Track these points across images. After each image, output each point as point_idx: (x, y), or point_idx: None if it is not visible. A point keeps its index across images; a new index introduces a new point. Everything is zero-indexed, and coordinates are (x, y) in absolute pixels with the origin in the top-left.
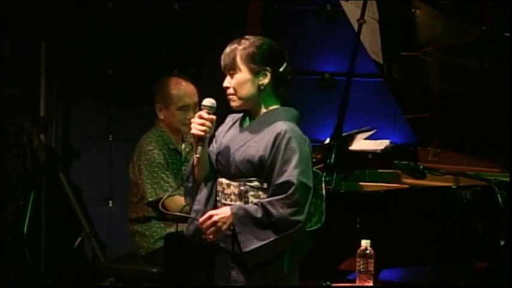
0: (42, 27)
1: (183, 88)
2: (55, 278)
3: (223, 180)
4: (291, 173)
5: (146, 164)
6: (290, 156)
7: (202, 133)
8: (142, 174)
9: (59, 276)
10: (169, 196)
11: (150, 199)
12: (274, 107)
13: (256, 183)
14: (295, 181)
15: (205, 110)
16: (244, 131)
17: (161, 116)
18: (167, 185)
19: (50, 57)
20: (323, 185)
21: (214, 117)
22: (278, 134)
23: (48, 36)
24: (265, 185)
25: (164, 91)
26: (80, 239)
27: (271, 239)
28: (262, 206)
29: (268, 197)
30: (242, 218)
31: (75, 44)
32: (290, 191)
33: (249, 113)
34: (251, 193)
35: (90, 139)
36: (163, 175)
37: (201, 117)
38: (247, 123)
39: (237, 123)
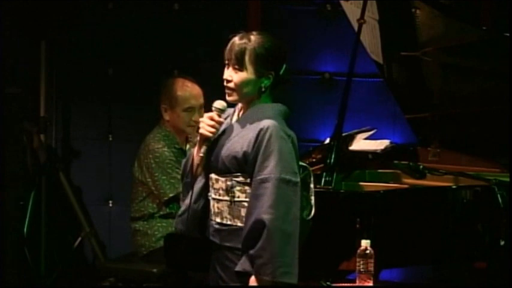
0: (42, 27)
1: (188, 90)
2: (55, 278)
3: (213, 175)
4: (272, 170)
5: (158, 162)
6: (271, 152)
7: (211, 134)
8: (155, 172)
9: (59, 276)
10: None
11: (171, 195)
12: (265, 103)
13: (241, 179)
14: (274, 177)
15: (216, 113)
16: (232, 126)
17: (166, 116)
18: None
19: (50, 57)
20: (312, 178)
21: (223, 120)
22: (261, 130)
23: (48, 36)
24: (249, 180)
25: (170, 92)
26: (80, 239)
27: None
28: (257, 222)
29: (251, 192)
30: (257, 269)
31: (75, 44)
32: (271, 187)
33: (241, 108)
34: (237, 188)
35: (90, 139)
36: (177, 170)
37: (212, 119)
38: (236, 118)
39: (228, 118)
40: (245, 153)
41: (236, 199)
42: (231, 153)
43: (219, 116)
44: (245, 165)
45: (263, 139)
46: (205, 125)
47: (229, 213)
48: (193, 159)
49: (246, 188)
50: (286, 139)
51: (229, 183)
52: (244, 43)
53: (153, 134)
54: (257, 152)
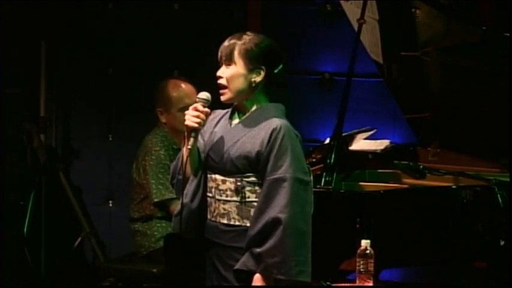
0: (42, 27)
1: (181, 89)
2: (55, 278)
3: (218, 177)
4: (286, 169)
5: (152, 165)
6: (284, 152)
7: (197, 125)
8: (148, 174)
9: (59, 276)
10: (175, 199)
11: (156, 200)
12: (264, 104)
13: (253, 179)
14: (289, 177)
15: (201, 103)
16: (236, 127)
17: (163, 119)
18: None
19: (50, 57)
20: (311, 177)
21: (208, 110)
22: (274, 130)
23: (48, 36)
24: (261, 180)
25: (163, 95)
26: (80, 239)
27: (288, 246)
28: (272, 220)
29: (262, 191)
30: (266, 268)
31: (75, 44)
32: (286, 187)
33: (238, 109)
34: (248, 188)
35: (90, 139)
36: (168, 176)
37: (196, 110)
38: (236, 119)
39: (224, 119)
40: (258, 153)
41: (247, 199)
42: (242, 153)
43: (204, 106)
44: (258, 165)
45: (276, 139)
46: (190, 116)
47: (237, 214)
48: (183, 155)
49: (257, 188)
50: (296, 139)
51: (239, 183)
52: (234, 41)
53: (152, 135)
54: (270, 152)
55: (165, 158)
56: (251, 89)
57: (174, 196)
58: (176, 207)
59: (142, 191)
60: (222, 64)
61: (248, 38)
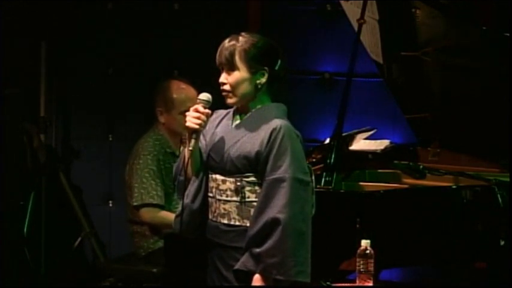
0: (42, 27)
1: (184, 92)
2: (55, 278)
3: (218, 177)
4: (286, 169)
5: (138, 168)
6: (284, 152)
7: (197, 126)
8: (133, 177)
9: (59, 276)
10: (154, 206)
11: (135, 203)
12: (266, 103)
13: (252, 179)
14: (288, 177)
15: (202, 104)
16: (237, 128)
17: (162, 119)
18: (154, 192)
19: (50, 57)
20: (313, 177)
21: (209, 111)
22: (274, 130)
23: (48, 36)
24: (261, 180)
25: (165, 95)
26: (80, 239)
27: (287, 245)
28: (271, 221)
29: (262, 191)
30: (265, 268)
31: (75, 44)
32: (285, 187)
33: (241, 109)
34: (247, 188)
35: (90, 139)
36: (152, 182)
37: (197, 111)
38: (238, 119)
39: (225, 119)
40: (258, 153)
41: (246, 199)
42: (242, 153)
43: (205, 107)
44: (257, 165)
45: (276, 139)
46: (191, 117)
47: (237, 214)
48: (184, 156)
49: (257, 188)
50: (296, 139)
51: (239, 183)
52: (233, 45)
53: (144, 139)
54: (270, 152)
55: (152, 163)
56: (256, 91)
57: (154, 202)
58: (150, 214)
59: (133, 195)
60: (223, 70)
61: (245, 39)
